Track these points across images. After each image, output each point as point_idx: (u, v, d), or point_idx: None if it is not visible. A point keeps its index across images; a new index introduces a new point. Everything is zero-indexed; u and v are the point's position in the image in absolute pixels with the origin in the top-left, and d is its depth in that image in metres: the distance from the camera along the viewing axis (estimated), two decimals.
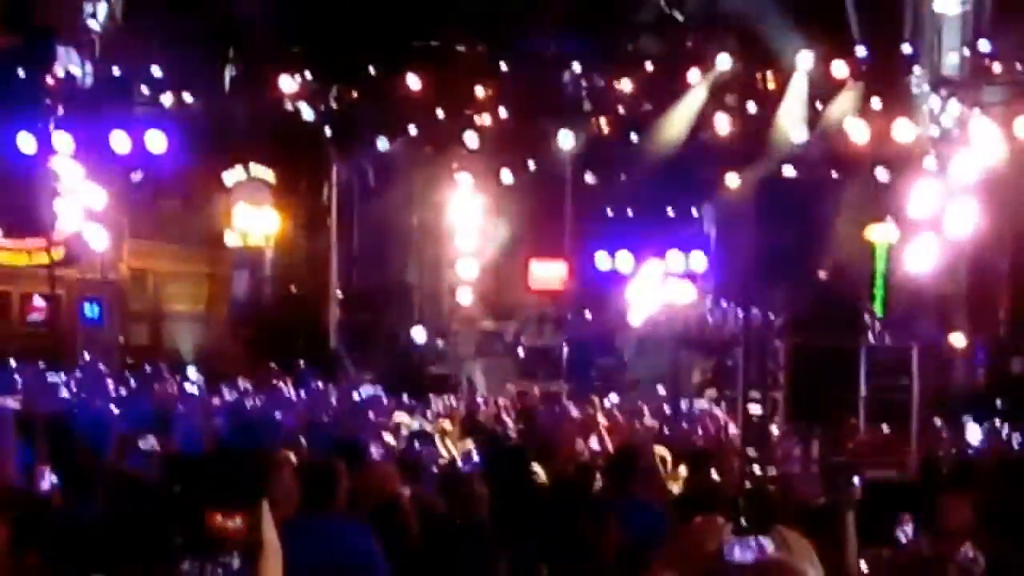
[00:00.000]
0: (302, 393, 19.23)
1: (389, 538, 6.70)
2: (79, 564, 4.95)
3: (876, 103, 24.00)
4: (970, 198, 21.86)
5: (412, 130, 27.05)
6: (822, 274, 18.60)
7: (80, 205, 24.66)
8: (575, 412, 16.75)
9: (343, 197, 28.79)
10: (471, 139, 26.32)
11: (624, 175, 27.94)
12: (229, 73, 26.46)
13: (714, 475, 10.81)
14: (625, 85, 25.55)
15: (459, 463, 9.86)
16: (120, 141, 24.87)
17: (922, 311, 23.54)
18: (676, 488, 10.61)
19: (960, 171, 22.31)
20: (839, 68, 24.05)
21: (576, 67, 25.60)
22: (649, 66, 25.55)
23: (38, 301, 26.28)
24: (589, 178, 28.46)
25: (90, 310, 26.01)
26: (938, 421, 16.40)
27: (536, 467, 10.44)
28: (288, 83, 25.99)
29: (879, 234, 24.62)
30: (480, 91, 25.78)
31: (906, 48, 24.36)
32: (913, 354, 15.27)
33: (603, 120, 26.33)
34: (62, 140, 24.55)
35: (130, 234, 26.65)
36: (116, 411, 13.59)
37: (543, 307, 29.62)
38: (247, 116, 26.26)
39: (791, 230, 15.89)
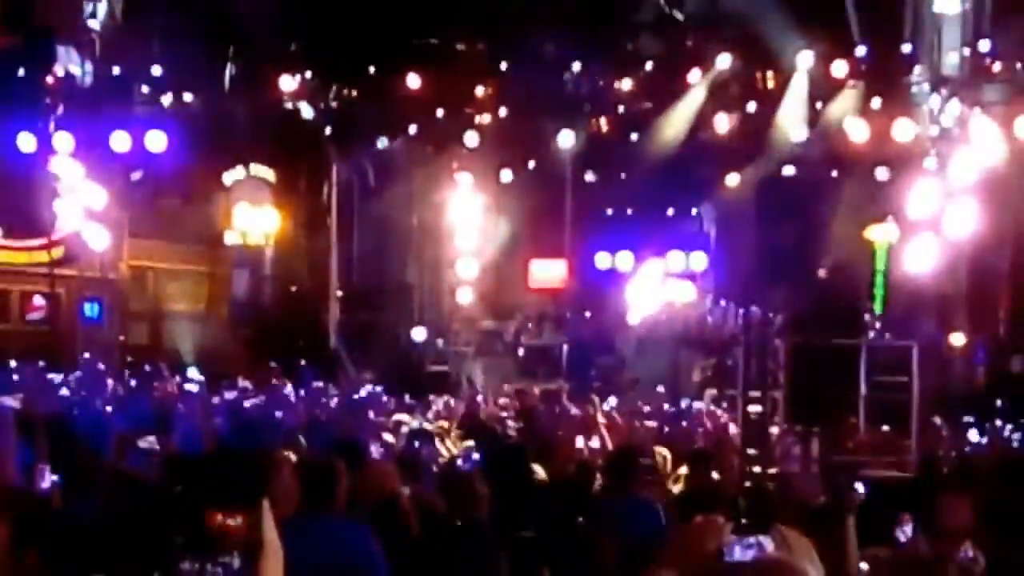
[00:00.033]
0: (302, 392, 19.22)
1: (389, 538, 6.70)
2: (79, 564, 4.94)
3: (876, 103, 24.01)
4: (970, 197, 21.85)
5: (412, 129, 27.08)
6: (822, 273, 18.64)
7: (80, 204, 24.65)
8: (575, 411, 16.76)
9: (343, 196, 28.80)
10: (471, 138, 26.33)
11: (624, 174, 27.95)
12: (229, 72, 26.46)
13: (714, 475, 10.81)
14: (625, 85, 25.57)
15: (459, 462, 9.86)
16: (120, 140, 24.87)
17: (922, 310, 23.54)
18: (676, 488, 10.62)
19: (960, 170, 22.29)
20: (839, 67, 24.05)
21: (576, 67, 25.61)
22: (649, 66, 25.57)
23: (38, 300, 26.30)
24: (589, 177, 28.47)
25: (90, 309, 26.01)
26: (938, 420, 16.40)
27: (536, 466, 10.45)
28: (288, 82, 26.00)
29: (879, 233, 24.62)
30: (480, 90, 25.81)
31: (906, 47, 24.36)
32: (913, 353, 15.26)
33: (603, 119, 26.34)
34: (62, 139, 24.55)
35: (130, 233, 26.66)
36: (116, 410, 13.59)
37: (543, 306, 29.64)
38: (247, 115, 26.26)
39: (791, 230, 15.94)
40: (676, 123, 25.50)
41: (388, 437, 11.80)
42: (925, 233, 22.13)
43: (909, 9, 24.57)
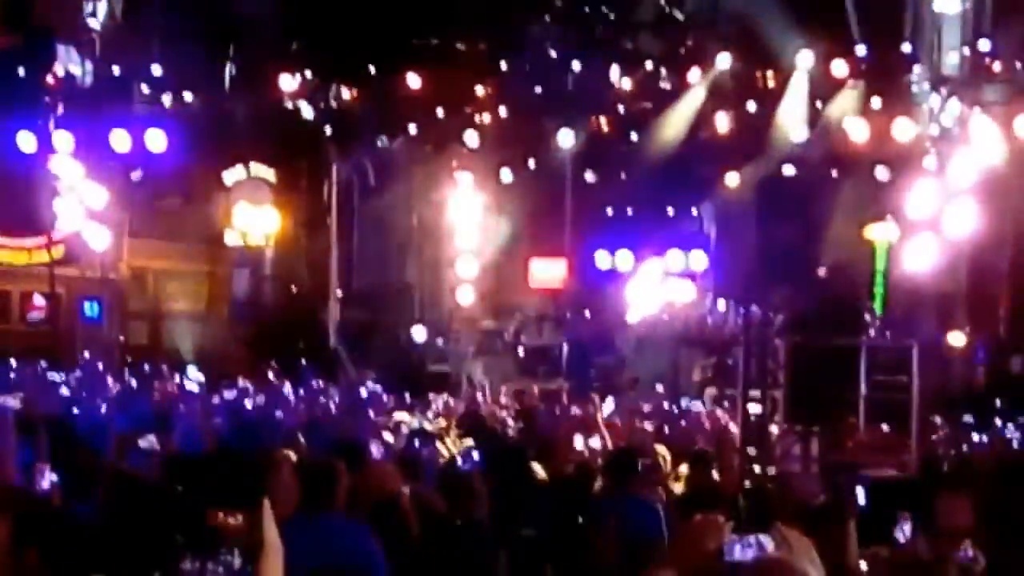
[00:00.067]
0: (302, 392, 19.22)
1: (389, 537, 6.70)
2: (79, 564, 4.94)
3: (876, 102, 24.00)
4: (970, 197, 21.86)
5: (412, 129, 27.06)
6: (822, 273, 18.62)
7: (80, 204, 24.67)
8: (575, 411, 16.75)
9: (343, 196, 28.79)
10: (471, 138, 26.32)
11: (624, 174, 27.93)
12: (229, 72, 26.45)
13: (714, 474, 10.81)
14: (625, 84, 25.57)
15: (459, 462, 9.85)
16: (120, 140, 24.87)
17: (922, 310, 23.54)
18: (677, 488, 10.62)
19: (960, 170, 22.30)
20: (839, 67, 24.05)
21: (576, 66, 25.60)
22: (649, 65, 25.56)
23: (38, 300, 26.32)
24: (589, 177, 28.44)
25: (90, 309, 26.03)
26: (938, 420, 16.40)
27: (536, 466, 10.45)
28: (288, 82, 25.99)
29: (879, 233, 24.62)
30: (480, 90, 25.79)
31: (906, 47, 24.36)
32: (913, 353, 15.26)
33: (603, 119, 26.32)
34: (62, 139, 24.56)
35: (130, 233, 26.67)
36: (116, 410, 13.59)
37: (543, 306, 29.62)
38: (247, 115, 26.26)
39: (791, 229, 15.91)
40: (676, 123, 25.50)
41: (388, 437, 11.80)
42: (925, 233, 22.14)
43: (909, 8, 24.57)
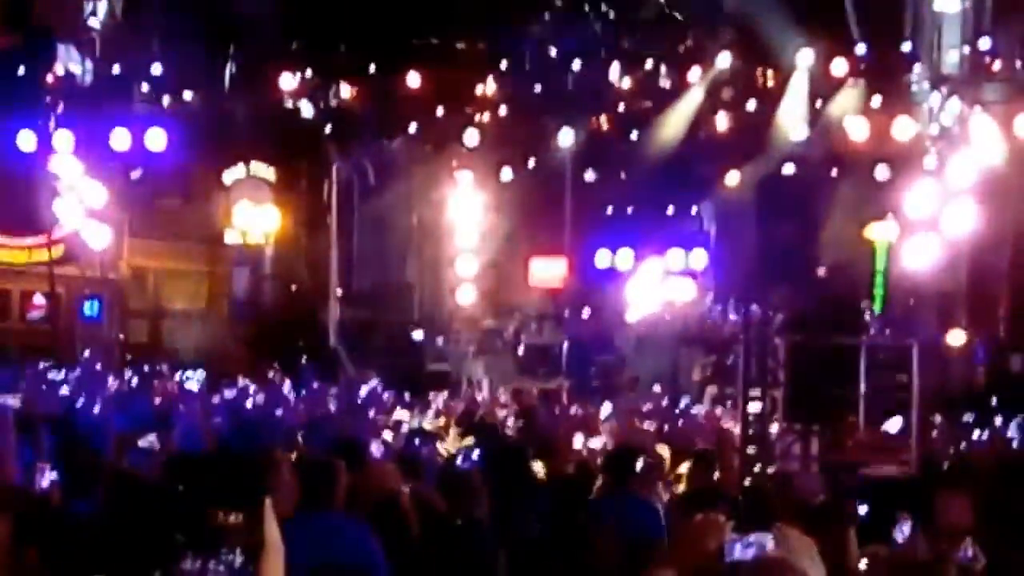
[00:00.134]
0: (302, 392, 19.23)
1: (389, 537, 6.70)
2: (79, 563, 4.94)
3: (876, 101, 24.01)
4: (970, 196, 21.85)
5: (412, 128, 27.08)
6: (822, 272, 18.64)
7: (80, 203, 24.66)
8: (575, 410, 16.76)
9: (343, 195, 28.80)
10: (471, 137, 26.32)
11: (624, 173, 27.95)
12: (229, 71, 26.46)
13: (714, 474, 10.79)
14: (625, 83, 25.57)
15: (458, 461, 9.85)
16: (120, 139, 24.87)
17: (922, 309, 23.54)
18: (677, 488, 10.60)
19: (960, 169, 22.29)
20: (839, 66, 24.05)
21: (576, 66, 25.60)
22: (649, 64, 25.56)
23: (38, 299, 26.32)
24: (589, 176, 28.45)
25: (90, 308, 26.03)
26: (938, 419, 16.39)
27: (536, 465, 10.44)
28: (288, 81, 26.00)
29: (879, 232, 24.63)
30: (480, 89, 25.80)
31: (906, 46, 24.37)
32: (913, 352, 15.23)
33: (603, 118, 26.35)
34: (62, 138, 24.55)
35: (130, 232, 26.68)
36: (116, 410, 13.58)
37: (543, 305, 29.61)
38: (247, 114, 26.27)
39: (791, 228, 15.92)
40: (676, 122, 25.51)
41: (388, 436, 11.80)
42: (925, 232, 22.13)
43: (909, 7, 24.59)
